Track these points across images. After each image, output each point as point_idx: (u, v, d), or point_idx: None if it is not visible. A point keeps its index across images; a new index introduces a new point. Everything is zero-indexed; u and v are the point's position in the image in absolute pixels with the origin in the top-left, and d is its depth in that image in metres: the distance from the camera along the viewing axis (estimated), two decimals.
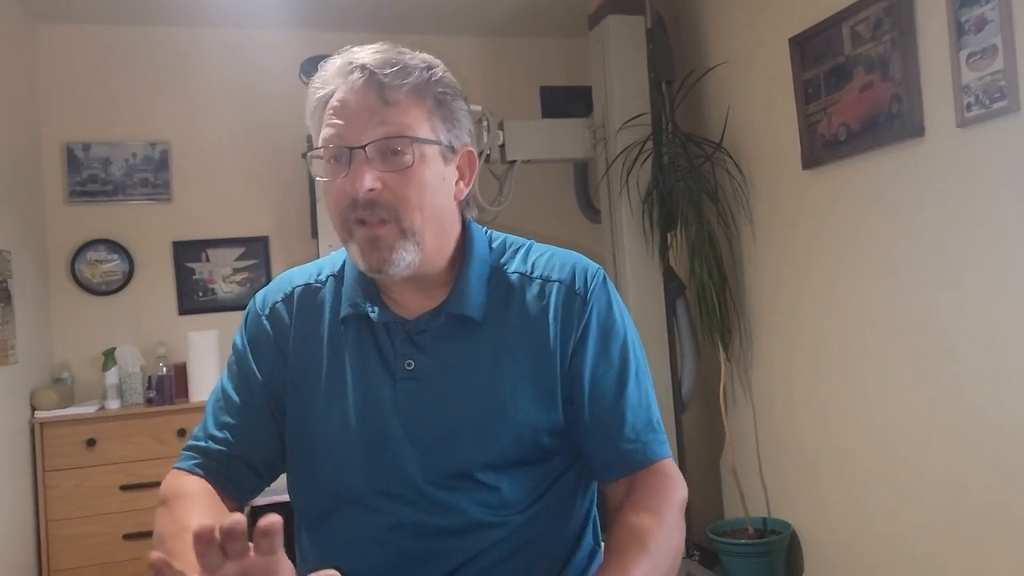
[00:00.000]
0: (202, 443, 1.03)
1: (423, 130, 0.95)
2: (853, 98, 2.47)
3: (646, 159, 3.09)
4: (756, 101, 2.99)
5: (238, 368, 1.06)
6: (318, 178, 0.98)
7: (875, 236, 2.47)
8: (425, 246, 0.97)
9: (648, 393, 1.04)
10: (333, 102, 0.95)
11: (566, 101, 3.86)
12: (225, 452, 1.02)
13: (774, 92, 2.85)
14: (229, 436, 1.02)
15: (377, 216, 0.93)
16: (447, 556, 0.98)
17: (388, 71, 0.93)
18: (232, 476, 1.02)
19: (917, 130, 2.25)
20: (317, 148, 0.96)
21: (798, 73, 2.70)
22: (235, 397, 1.04)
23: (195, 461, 1.02)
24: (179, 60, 3.54)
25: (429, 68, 0.97)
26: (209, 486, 1.00)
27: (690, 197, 3.05)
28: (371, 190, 0.92)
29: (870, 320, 2.51)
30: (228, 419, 1.03)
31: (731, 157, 3.08)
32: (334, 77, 0.95)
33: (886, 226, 2.42)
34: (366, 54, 0.95)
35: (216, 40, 3.57)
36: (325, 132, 0.95)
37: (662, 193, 3.07)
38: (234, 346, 1.09)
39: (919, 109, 2.24)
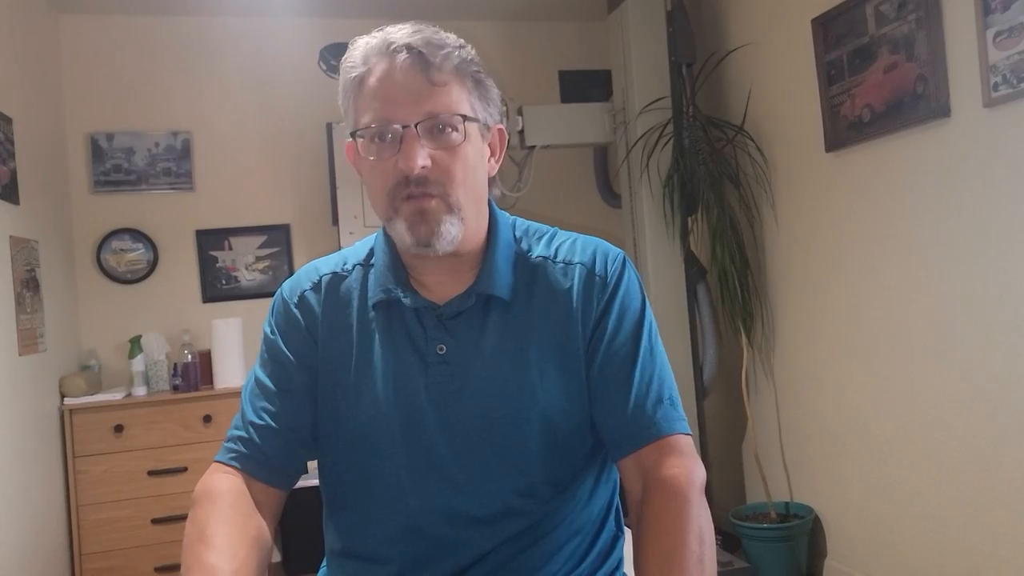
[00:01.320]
0: (241, 432, 1.01)
1: (466, 108, 0.97)
2: (877, 79, 2.44)
3: (666, 143, 3.07)
4: (778, 83, 2.96)
5: (270, 357, 1.05)
6: (370, 157, 0.97)
7: (900, 219, 2.44)
8: (467, 222, 0.98)
9: (662, 370, 1.02)
10: (373, 82, 0.95)
11: (585, 85, 3.85)
12: (266, 437, 1.00)
13: (796, 74, 2.82)
14: (269, 421, 1.01)
15: (426, 191, 0.95)
16: (474, 544, 0.99)
17: (434, 51, 0.94)
18: (272, 464, 1.00)
19: (943, 111, 2.22)
20: (365, 128, 0.96)
21: (821, 54, 2.67)
22: (270, 384, 1.03)
23: (233, 454, 1.00)
24: (199, 49, 3.56)
25: (463, 47, 0.98)
26: (239, 486, 0.98)
27: (711, 181, 3.03)
28: (424, 167, 0.94)
29: (894, 303, 2.49)
30: (266, 405, 1.02)
31: (753, 140, 3.05)
32: (372, 57, 0.95)
33: (911, 208, 2.39)
34: (405, 34, 0.95)
35: (235, 29, 3.58)
36: (370, 112, 0.95)
37: (683, 177, 3.05)
38: (264, 336, 1.08)
39: (945, 89, 2.21)
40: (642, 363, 1.00)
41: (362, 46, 0.97)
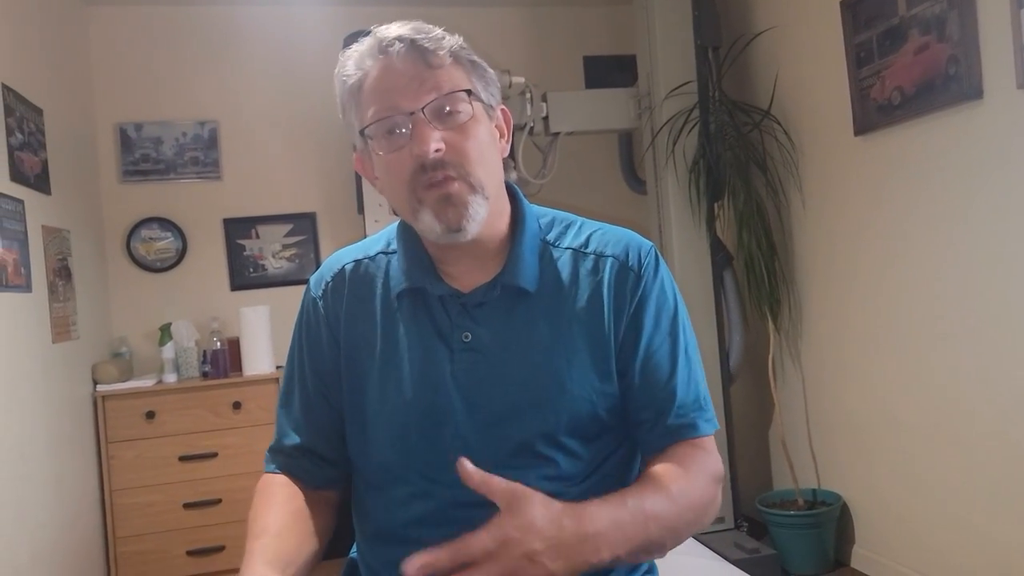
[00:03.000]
0: (275, 443, 1.10)
1: (470, 86, 0.98)
2: (907, 61, 2.40)
3: (692, 128, 3.04)
4: (806, 66, 2.92)
5: (296, 357, 1.11)
6: (381, 152, 0.97)
7: (930, 203, 2.40)
8: (490, 201, 0.98)
9: (697, 370, 1.04)
10: (372, 81, 0.96)
11: (610, 71, 3.82)
12: (297, 448, 1.07)
13: (824, 57, 2.78)
14: (297, 433, 1.08)
15: (445, 174, 0.95)
16: None
17: (427, 37, 0.95)
18: (308, 469, 1.08)
19: (975, 92, 2.17)
20: (373, 122, 0.96)
21: (849, 36, 2.63)
22: (295, 390, 1.10)
23: (275, 464, 1.09)
24: (224, 39, 3.58)
25: (453, 35, 0.99)
26: (286, 479, 1.07)
27: (738, 166, 3.00)
28: (439, 150, 0.93)
29: (923, 289, 2.45)
30: (294, 414, 1.09)
31: (780, 124, 3.02)
32: (366, 60, 0.96)
33: (942, 192, 2.36)
34: (395, 28, 0.96)
35: (259, 18, 3.60)
36: (375, 107, 0.96)
37: (709, 162, 3.02)
38: (294, 331, 1.13)
39: (977, 71, 2.16)
40: (681, 365, 1.02)
41: (353, 54, 0.98)
